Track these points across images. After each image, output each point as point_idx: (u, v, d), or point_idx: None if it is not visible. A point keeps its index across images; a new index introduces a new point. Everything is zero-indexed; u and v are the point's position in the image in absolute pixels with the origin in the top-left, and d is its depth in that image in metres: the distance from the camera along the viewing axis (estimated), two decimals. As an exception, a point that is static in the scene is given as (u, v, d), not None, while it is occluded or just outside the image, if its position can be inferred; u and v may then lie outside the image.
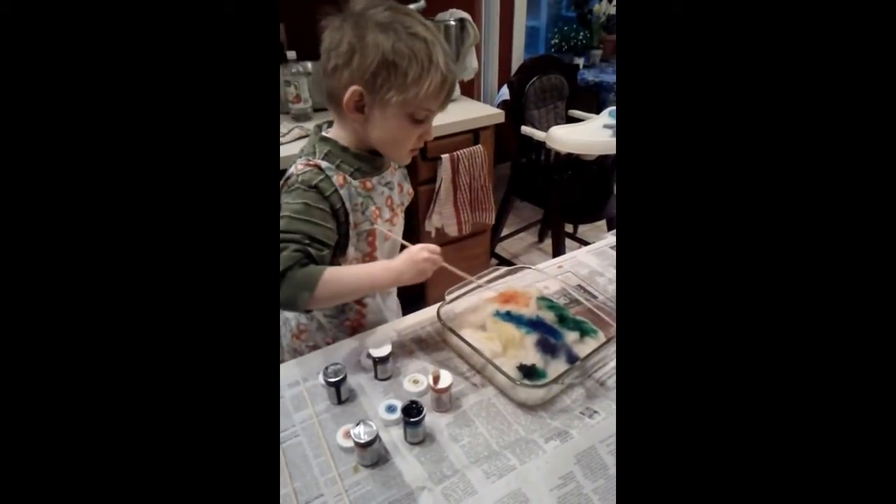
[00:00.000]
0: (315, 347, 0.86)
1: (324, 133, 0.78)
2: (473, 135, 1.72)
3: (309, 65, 1.62)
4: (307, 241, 0.70)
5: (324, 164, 0.73)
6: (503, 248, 2.43)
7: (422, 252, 0.71)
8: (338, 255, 0.77)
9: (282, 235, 0.69)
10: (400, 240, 0.81)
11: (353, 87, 0.69)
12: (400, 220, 0.86)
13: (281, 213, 0.72)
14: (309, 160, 0.74)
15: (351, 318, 0.87)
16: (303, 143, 1.44)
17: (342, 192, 0.73)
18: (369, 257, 0.81)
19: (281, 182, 0.75)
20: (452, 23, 1.75)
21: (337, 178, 0.73)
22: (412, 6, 1.85)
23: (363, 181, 0.77)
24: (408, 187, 0.88)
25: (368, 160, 0.78)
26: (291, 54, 1.62)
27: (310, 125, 1.54)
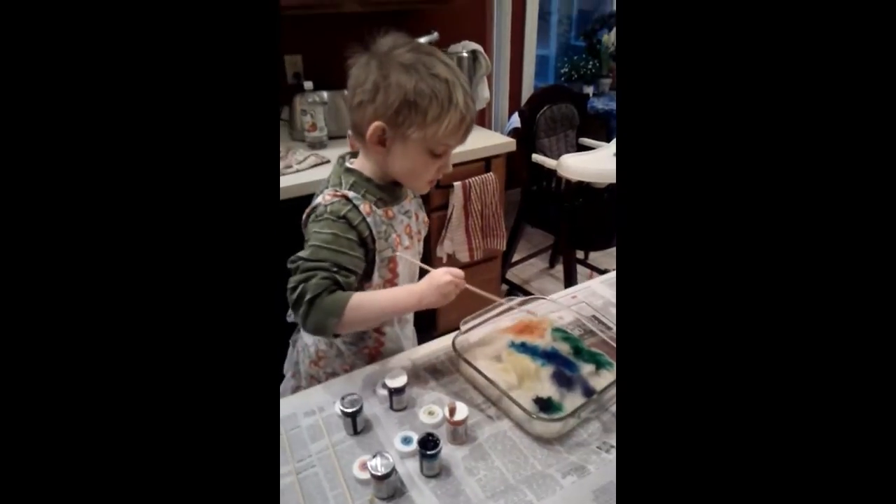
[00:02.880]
0: (333, 374, 0.87)
1: (348, 164, 0.81)
2: (485, 163, 1.74)
3: (325, 94, 1.66)
4: (335, 269, 0.72)
5: (351, 194, 0.76)
6: (514, 274, 2.43)
7: (445, 276, 0.73)
8: (364, 282, 0.79)
9: (310, 264, 0.72)
10: (419, 264, 0.82)
11: (377, 123, 0.72)
12: (418, 248, 0.88)
13: (310, 242, 0.74)
14: (336, 191, 0.76)
15: (370, 345, 0.88)
16: (319, 170, 1.47)
17: (369, 220, 0.76)
18: (390, 283, 0.82)
19: (307, 211, 0.78)
20: (465, 54, 1.79)
21: (364, 207, 0.76)
22: (425, 38, 1.88)
23: (385, 210, 0.79)
24: (423, 216, 0.90)
25: (389, 190, 0.80)
26: (308, 84, 1.66)
27: (325, 153, 1.58)
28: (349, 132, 1.71)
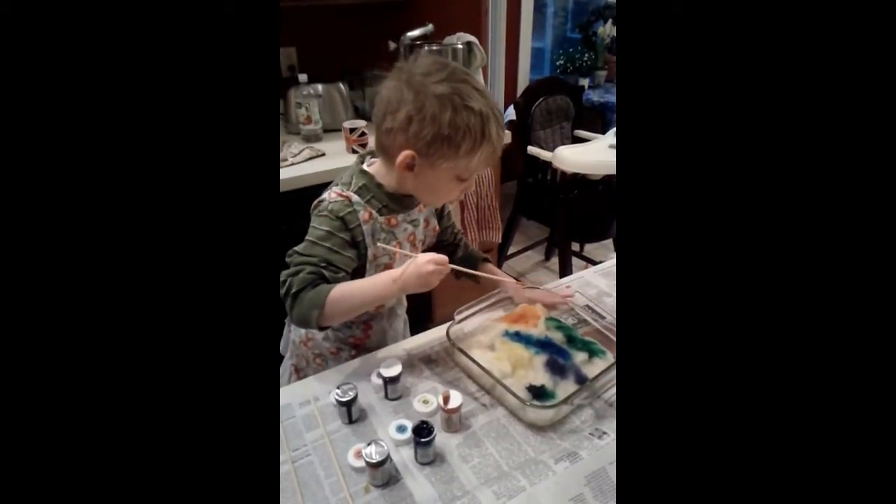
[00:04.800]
0: (320, 356, 0.89)
1: (364, 167, 0.81)
2: (480, 155, 1.74)
3: (319, 87, 1.66)
4: (323, 265, 0.74)
5: (355, 197, 0.76)
6: (510, 267, 2.44)
7: (427, 265, 0.71)
8: None
9: (301, 258, 0.74)
10: (405, 252, 0.81)
11: (407, 152, 0.71)
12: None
13: (307, 237, 0.76)
14: (342, 191, 0.77)
15: (356, 335, 0.89)
16: (314, 163, 1.47)
17: (365, 227, 0.77)
18: None
19: (315, 202, 0.79)
20: (460, 46, 1.79)
21: (363, 214, 0.76)
22: (420, 30, 1.86)
23: (389, 217, 0.79)
24: (434, 224, 0.89)
25: (398, 199, 0.80)
26: (303, 77, 1.66)
27: (320, 146, 1.57)
28: (344, 125, 1.70)
